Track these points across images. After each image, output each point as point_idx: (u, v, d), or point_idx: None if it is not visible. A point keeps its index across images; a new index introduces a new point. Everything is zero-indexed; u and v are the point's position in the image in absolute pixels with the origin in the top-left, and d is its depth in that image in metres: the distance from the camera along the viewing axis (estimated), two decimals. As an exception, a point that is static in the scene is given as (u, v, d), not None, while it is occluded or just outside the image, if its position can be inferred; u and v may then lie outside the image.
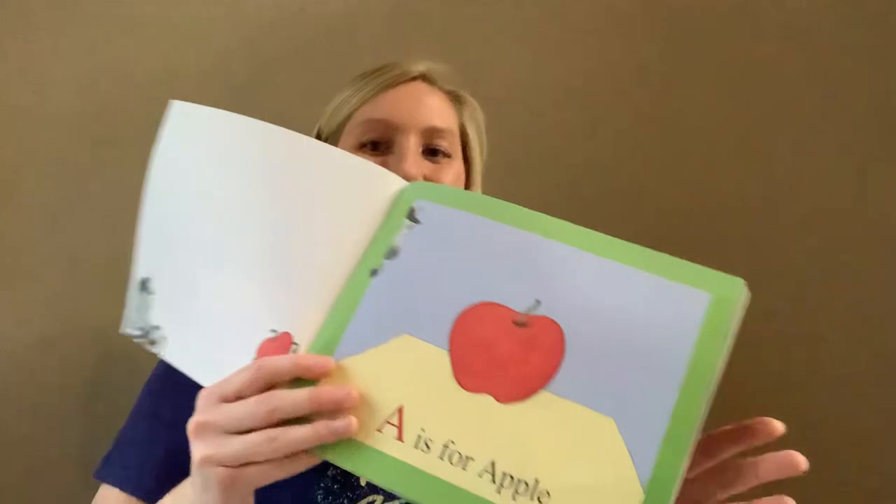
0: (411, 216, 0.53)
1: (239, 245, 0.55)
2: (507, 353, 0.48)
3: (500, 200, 0.53)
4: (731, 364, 0.92)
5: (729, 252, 1.05)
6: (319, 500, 0.67)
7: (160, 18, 1.04)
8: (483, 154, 0.88)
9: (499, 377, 0.48)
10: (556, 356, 0.48)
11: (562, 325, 0.48)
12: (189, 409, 0.52)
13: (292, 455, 0.47)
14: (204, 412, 0.49)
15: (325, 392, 0.48)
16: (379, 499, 0.68)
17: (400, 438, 0.47)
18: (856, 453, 0.96)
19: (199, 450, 0.48)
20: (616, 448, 0.45)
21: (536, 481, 0.45)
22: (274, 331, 0.52)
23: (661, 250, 0.49)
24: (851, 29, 1.07)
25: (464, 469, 0.46)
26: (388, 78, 0.80)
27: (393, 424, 0.47)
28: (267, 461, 0.47)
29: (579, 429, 0.46)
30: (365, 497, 0.67)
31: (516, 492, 0.45)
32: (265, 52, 1.06)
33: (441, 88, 0.84)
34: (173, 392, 0.68)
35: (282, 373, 0.48)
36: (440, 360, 0.49)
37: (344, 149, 0.74)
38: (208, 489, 0.48)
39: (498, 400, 0.47)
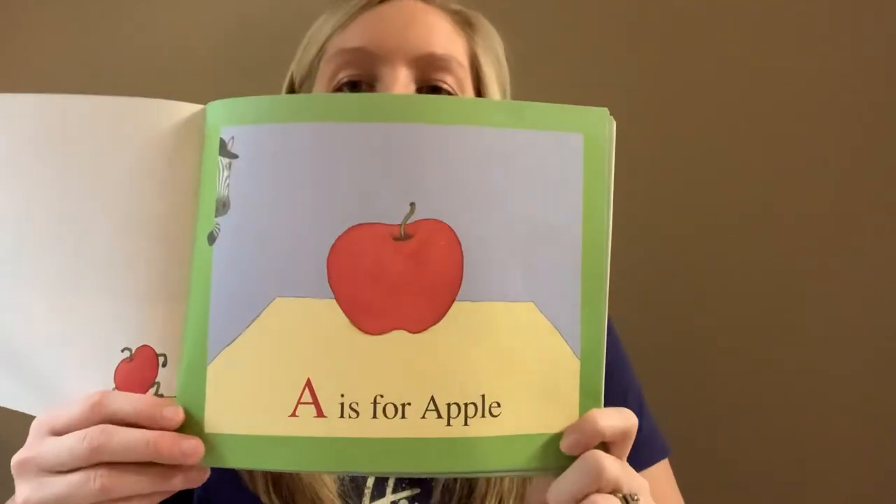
0: (224, 151, 0.42)
1: (33, 257, 0.44)
2: (400, 276, 0.41)
3: (323, 94, 0.42)
4: (724, 364, 0.97)
5: (728, 250, 0.99)
6: None
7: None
8: (506, 97, 0.65)
9: (402, 307, 0.41)
10: (455, 259, 0.41)
11: (448, 222, 0.41)
12: None
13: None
14: (28, 447, 0.42)
15: (167, 440, 0.40)
16: None
17: (321, 415, 0.41)
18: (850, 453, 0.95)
19: (19, 491, 0.42)
20: (543, 329, 0.42)
21: (483, 397, 0.41)
22: (127, 349, 0.42)
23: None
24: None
25: (404, 417, 0.41)
26: None
27: (307, 403, 0.41)
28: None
29: (504, 326, 0.41)
30: None
31: (466, 416, 0.41)
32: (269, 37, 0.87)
33: (442, 7, 0.61)
34: None
35: (120, 416, 0.40)
36: (330, 311, 0.41)
37: (318, 91, 0.58)
38: None
39: (411, 331, 0.41)
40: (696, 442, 0.90)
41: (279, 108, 0.42)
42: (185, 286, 0.43)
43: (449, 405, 0.41)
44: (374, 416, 0.41)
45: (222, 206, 0.42)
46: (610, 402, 0.54)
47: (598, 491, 0.39)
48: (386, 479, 0.58)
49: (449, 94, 0.58)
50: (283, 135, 0.42)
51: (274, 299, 0.41)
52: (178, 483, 0.40)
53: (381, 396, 0.41)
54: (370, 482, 0.58)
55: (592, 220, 0.41)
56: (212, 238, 0.42)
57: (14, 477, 0.42)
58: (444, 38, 0.58)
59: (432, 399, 0.41)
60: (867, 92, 0.93)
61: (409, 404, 0.41)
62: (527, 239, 0.41)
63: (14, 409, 0.44)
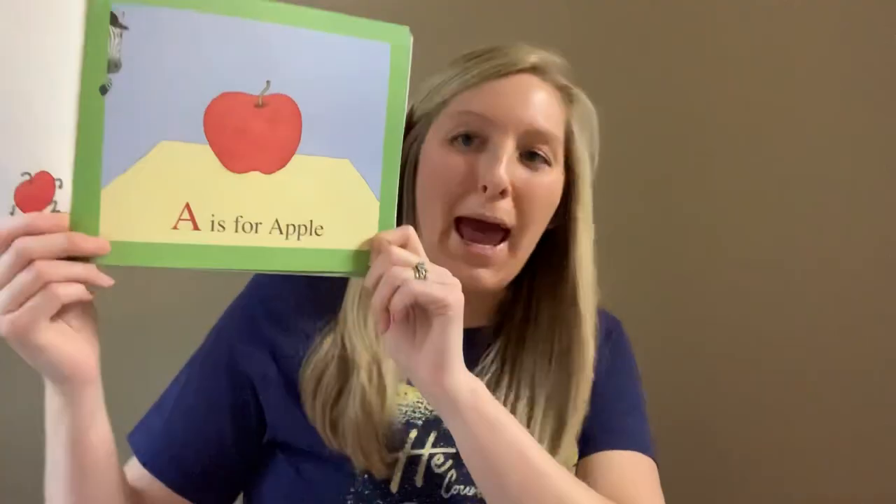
0: (115, 23, 0.53)
1: None
2: (258, 133, 0.57)
3: None
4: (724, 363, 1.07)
5: (727, 247, 1.06)
6: None
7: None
8: (594, 164, 0.77)
9: (259, 154, 0.58)
10: (297, 124, 0.59)
11: (293, 97, 0.58)
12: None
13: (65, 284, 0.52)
14: None
15: (80, 236, 0.52)
16: None
17: (196, 228, 0.56)
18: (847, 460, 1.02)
19: None
20: (355, 179, 0.62)
21: (311, 221, 0.60)
22: (27, 173, 0.52)
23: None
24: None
25: (256, 233, 0.58)
26: (494, 66, 0.72)
27: (186, 219, 0.56)
28: (36, 294, 0.51)
29: (329, 173, 0.60)
30: None
31: (299, 235, 0.60)
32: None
33: (553, 82, 0.74)
34: (213, 376, 0.73)
35: (55, 251, 0.51)
36: (204, 154, 0.56)
37: (435, 136, 0.68)
38: (16, 350, 0.53)
39: (264, 172, 0.58)
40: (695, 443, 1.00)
41: None
42: (71, 125, 0.53)
43: (287, 225, 0.59)
44: (236, 231, 0.57)
45: (114, 66, 0.53)
46: (608, 400, 0.78)
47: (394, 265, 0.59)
48: (427, 435, 0.71)
49: (544, 158, 0.72)
50: (170, 17, 0.54)
51: (160, 142, 0.55)
52: (93, 274, 0.53)
53: (241, 217, 0.57)
54: (413, 435, 0.71)
55: (394, 107, 0.61)
56: (104, 90, 0.53)
57: None
58: (549, 115, 0.72)
59: (276, 221, 0.59)
60: (870, 91, 1.01)
61: (261, 223, 0.58)
62: (346, 115, 0.60)
63: None
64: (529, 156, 0.72)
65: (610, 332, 0.82)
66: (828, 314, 1.03)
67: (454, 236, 0.71)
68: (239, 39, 0.56)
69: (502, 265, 0.72)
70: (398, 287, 0.59)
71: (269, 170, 0.58)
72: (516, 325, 0.76)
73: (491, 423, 0.62)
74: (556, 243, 0.76)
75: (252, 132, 0.57)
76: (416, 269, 0.60)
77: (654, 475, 0.76)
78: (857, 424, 1.02)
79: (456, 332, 0.61)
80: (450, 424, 0.63)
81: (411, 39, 0.62)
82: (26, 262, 0.50)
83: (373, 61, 0.61)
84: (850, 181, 1.02)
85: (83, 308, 0.55)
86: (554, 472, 0.63)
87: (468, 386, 0.62)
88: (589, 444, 0.75)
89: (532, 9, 1.09)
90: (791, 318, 1.05)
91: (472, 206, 0.70)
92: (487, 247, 0.70)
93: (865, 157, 1.01)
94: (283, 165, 0.59)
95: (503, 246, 0.71)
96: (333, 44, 0.59)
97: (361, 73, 0.60)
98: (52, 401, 0.57)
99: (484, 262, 0.70)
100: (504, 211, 0.70)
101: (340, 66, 0.60)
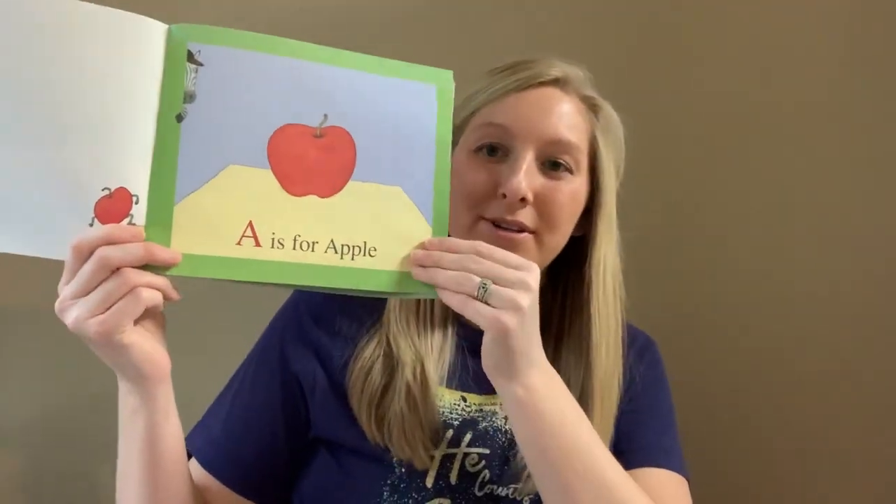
0: (192, 59, 0.60)
1: (30, 123, 0.55)
2: (316, 161, 0.62)
3: (264, 35, 0.62)
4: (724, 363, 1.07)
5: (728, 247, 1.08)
6: (385, 496, 0.71)
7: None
8: (619, 174, 0.81)
9: (316, 180, 0.62)
10: (351, 153, 0.64)
11: (348, 129, 0.63)
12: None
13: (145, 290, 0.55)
14: (59, 303, 0.55)
15: (158, 248, 0.56)
16: (446, 502, 0.71)
17: (258, 245, 0.60)
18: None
19: (69, 324, 0.55)
20: (407, 205, 0.66)
21: (365, 243, 0.63)
22: (107, 188, 0.56)
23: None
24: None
25: (313, 251, 0.61)
26: (518, 79, 0.75)
27: (249, 236, 0.60)
28: (123, 298, 0.54)
29: (382, 199, 0.64)
30: (431, 500, 0.71)
31: (353, 255, 0.63)
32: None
33: (577, 93, 0.77)
34: (269, 374, 0.75)
35: (133, 260, 0.55)
36: (267, 178, 0.61)
37: (464, 146, 0.73)
38: (98, 351, 0.56)
39: (321, 196, 0.62)
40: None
41: (239, 38, 0.61)
42: (148, 149, 0.58)
43: (342, 246, 0.62)
44: (294, 249, 0.61)
45: (189, 97, 0.59)
46: (646, 417, 0.80)
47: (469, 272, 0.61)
48: (463, 435, 0.74)
49: (566, 167, 0.75)
50: (241, 56, 0.61)
51: (228, 165, 0.59)
52: (167, 285, 0.56)
53: (299, 236, 0.61)
54: (449, 434, 0.73)
55: (442, 139, 0.66)
56: (179, 118, 0.59)
57: (62, 318, 0.54)
58: (571, 125, 0.75)
59: (332, 241, 0.62)
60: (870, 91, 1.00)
61: (317, 243, 0.62)
62: (398, 146, 0.65)
63: (11, 252, 0.55)
64: (552, 165, 0.75)
65: (644, 350, 0.83)
66: (857, 321, 1.01)
67: (483, 223, 0.73)
68: (300, 78, 0.62)
69: (529, 252, 0.73)
70: (459, 292, 0.61)
71: (325, 194, 0.62)
72: (553, 332, 0.78)
73: (542, 417, 0.63)
74: (583, 250, 0.77)
75: (310, 159, 0.62)
76: (482, 286, 0.60)
77: (689, 496, 0.78)
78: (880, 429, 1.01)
79: (503, 348, 0.62)
80: (506, 410, 0.67)
81: (453, 83, 0.68)
82: (108, 269, 0.54)
83: (421, 100, 0.66)
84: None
85: (155, 314, 0.58)
86: (610, 468, 0.64)
87: (522, 384, 0.63)
88: (624, 459, 0.74)
89: (552, 21, 1.13)
90: (818, 325, 1.04)
91: (494, 211, 0.73)
92: (513, 233, 0.73)
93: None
94: (338, 190, 0.63)
95: (529, 234, 0.73)
96: (385, 84, 0.65)
97: (411, 110, 0.66)
98: (127, 401, 0.59)
99: (512, 246, 0.71)
100: (525, 216, 0.73)
101: (391, 103, 0.65)
